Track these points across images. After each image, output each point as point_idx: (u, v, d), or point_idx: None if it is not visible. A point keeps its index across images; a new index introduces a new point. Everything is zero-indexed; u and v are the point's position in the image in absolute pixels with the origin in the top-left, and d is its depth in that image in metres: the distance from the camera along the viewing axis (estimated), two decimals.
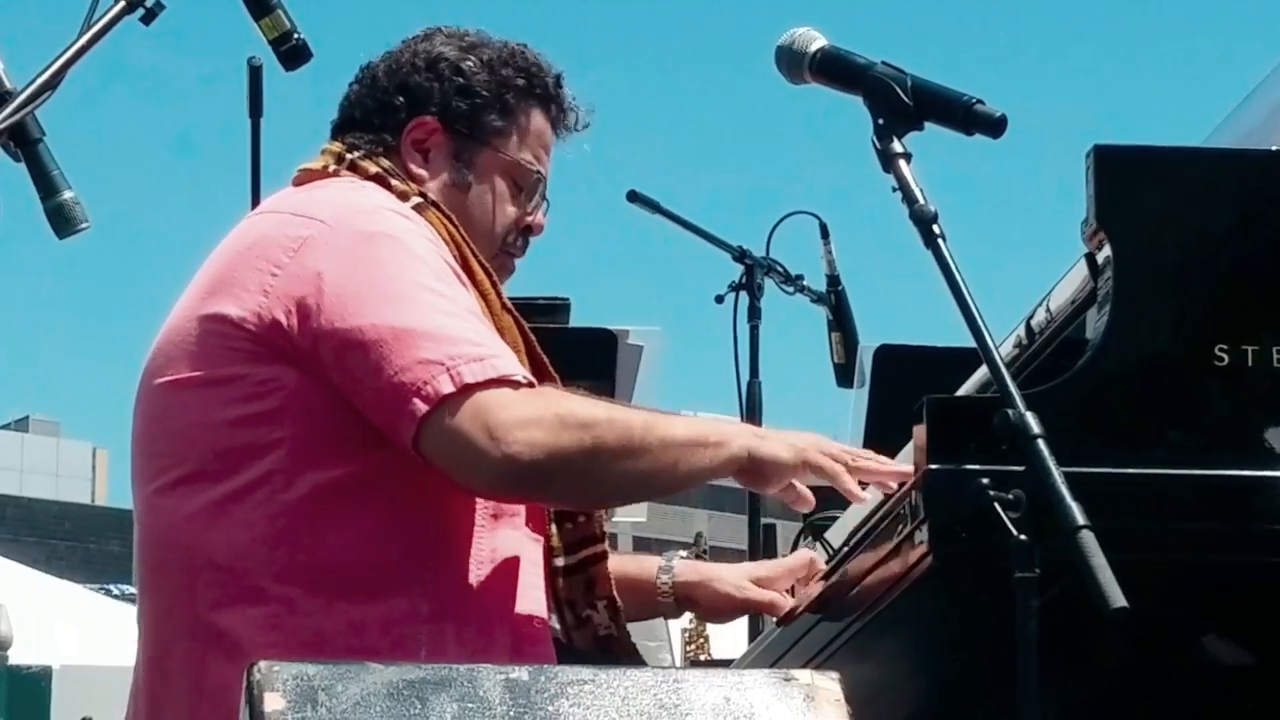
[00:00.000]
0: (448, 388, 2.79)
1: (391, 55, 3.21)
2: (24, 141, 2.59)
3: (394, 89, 3.16)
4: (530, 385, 2.86)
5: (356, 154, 3.13)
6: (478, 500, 2.96)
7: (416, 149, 3.15)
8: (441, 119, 3.15)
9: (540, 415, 2.81)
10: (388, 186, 3.08)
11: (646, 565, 3.35)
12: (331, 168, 3.12)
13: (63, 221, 2.60)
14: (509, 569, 2.98)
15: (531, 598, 3.01)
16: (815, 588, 3.11)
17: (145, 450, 3.01)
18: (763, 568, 3.37)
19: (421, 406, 2.80)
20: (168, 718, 2.94)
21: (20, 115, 2.53)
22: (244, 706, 2.30)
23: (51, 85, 2.55)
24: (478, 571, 2.93)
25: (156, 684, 2.96)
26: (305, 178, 3.15)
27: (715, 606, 3.34)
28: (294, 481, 2.87)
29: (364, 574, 2.86)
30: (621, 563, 3.29)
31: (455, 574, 2.91)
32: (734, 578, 3.32)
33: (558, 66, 3.24)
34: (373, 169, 3.10)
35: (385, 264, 2.89)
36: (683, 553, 3.35)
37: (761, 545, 6.15)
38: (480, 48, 3.19)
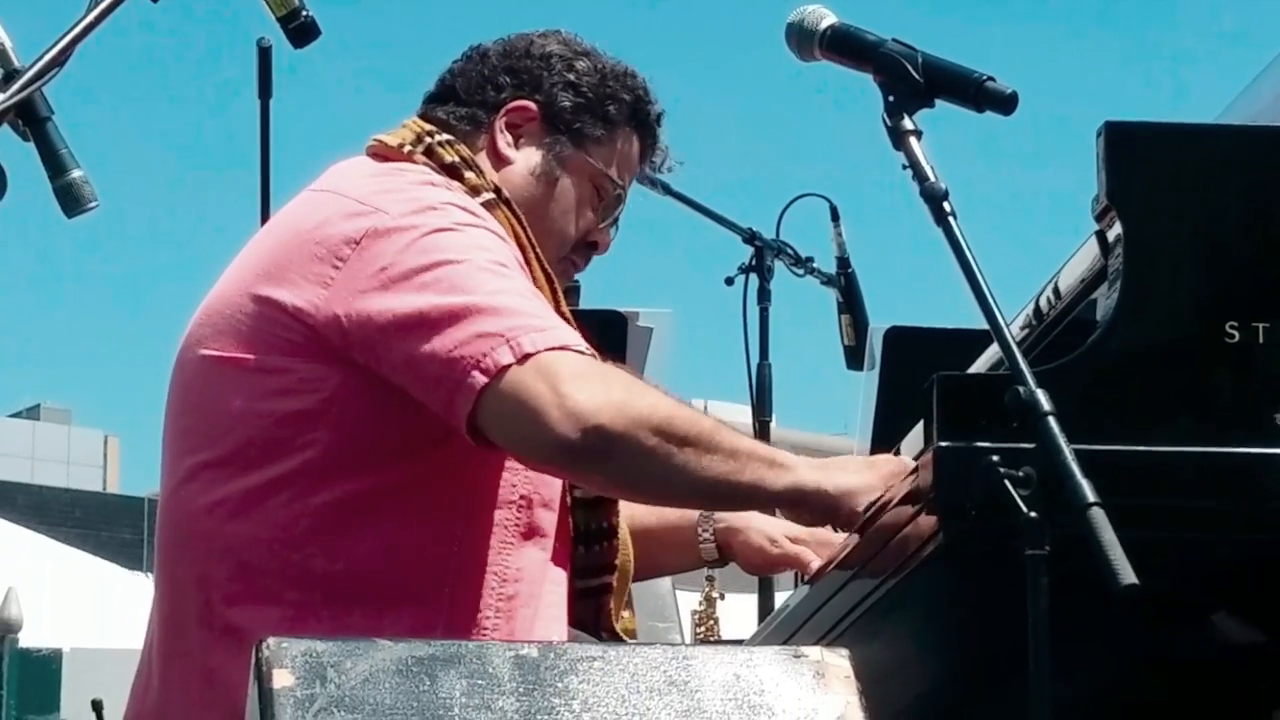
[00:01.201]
0: (507, 358, 2.75)
1: (506, 40, 3.20)
2: (32, 120, 2.59)
3: (503, 69, 3.15)
4: (594, 356, 2.82)
5: (436, 139, 3.09)
6: (507, 518, 2.93)
7: (510, 130, 3.14)
8: (543, 108, 3.14)
9: (609, 382, 2.77)
10: (460, 178, 3.04)
11: (689, 513, 3.33)
12: (407, 148, 3.08)
13: (71, 200, 2.59)
14: (531, 588, 2.96)
15: (553, 616, 2.99)
16: (834, 554, 3.11)
17: (178, 423, 3.00)
18: (804, 530, 3.31)
19: (480, 378, 2.75)
20: (174, 703, 2.93)
21: (28, 92, 2.52)
22: (252, 683, 2.30)
23: (59, 62, 2.54)
24: (499, 589, 2.92)
25: (164, 667, 2.96)
26: (380, 150, 3.11)
27: (747, 557, 3.33)
28: (321, 485, 2.85)
29: (382, 585, 2.85)
30: (662, 512, 3.28)
31: (475, 591, 2.90)
32: (770, 530, 3.30)
33: (661, 105, 3.23)
34: (449, 158, 3.07)
35: (448, 254, 2.85)
36: None
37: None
38: (596, 56, 3.19)
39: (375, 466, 2.87)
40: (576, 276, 3.36)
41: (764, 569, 3.40)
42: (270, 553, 2.86)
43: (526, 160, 3.14)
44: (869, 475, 2.90)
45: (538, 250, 3.06)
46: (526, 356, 2.75)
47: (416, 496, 2.88)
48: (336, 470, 2.86)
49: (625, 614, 3.18)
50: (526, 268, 3.00)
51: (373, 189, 2.97)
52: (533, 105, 3.14)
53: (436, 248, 2.86)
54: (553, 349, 2.77)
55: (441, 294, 2.82)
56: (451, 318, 2.79)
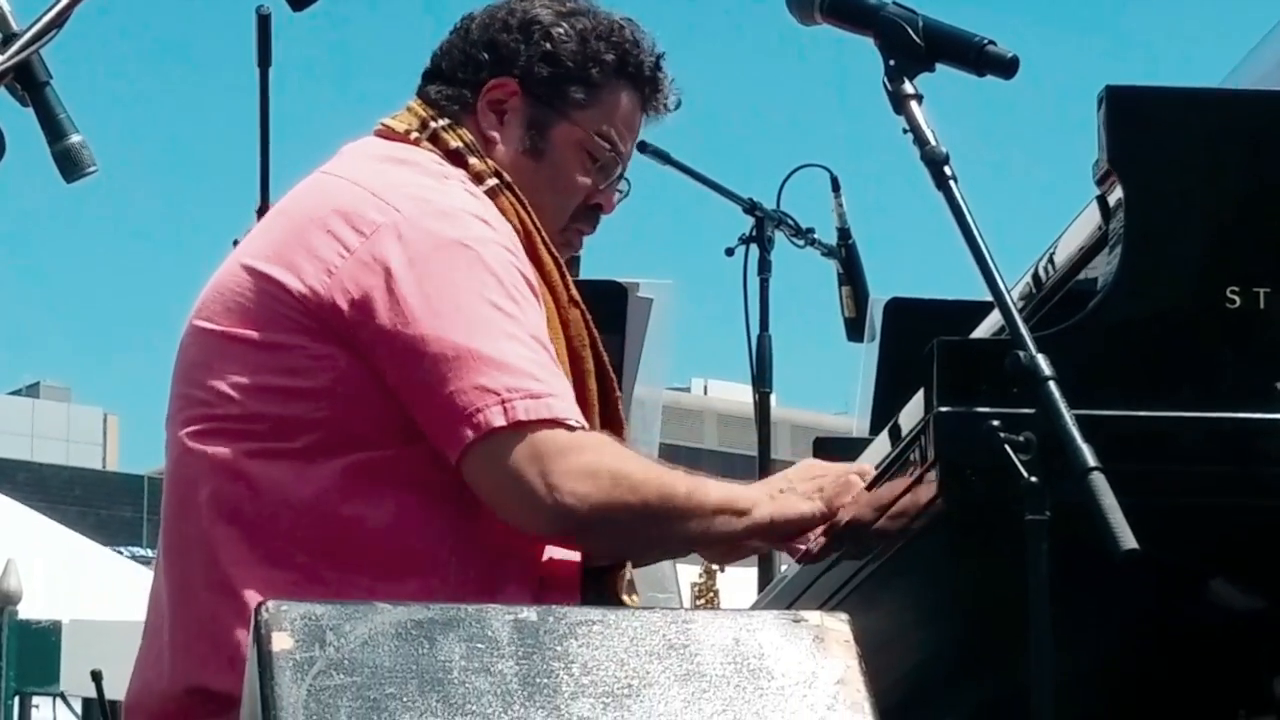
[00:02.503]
0: (499, 421, 2.78)
1: (489, 9, 3.15)
2: (31, 85, 2.57)
3: (482, 45, 3.11)
4: (583, 429, 2.85)
5: (440, 123, 3.07)
6: None
7: (493, 109, 3.10)
8: (522, 83, 3.09)
9: (596, 469, 2.82)
10: (464, 164, 3.03)
11: None
12: (414, 135, 3.07)
13: (70, 165, 2.58)
14: (532, 563, 2.95)
15: (554, 586, 2.99)
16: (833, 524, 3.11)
17: (184, 392, 2.99)
18: None
19: (469, 434, 2.79)
20: (179, 665, 2.93)
21: (25, 54, 2.51)
22: (251, 646, 2.30)
23: (57, 24, 2.53)
24: (502, 564, 2.91)
25: (172, 630, 2.96)
26: (387, 134, 3.10)
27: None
28: (330, 457, 2.85)
29: (387, 554, 2.84)
30: None
31: (477, 564, 2.89)
32: None
33: (660, 47, 3.16)
34: (453, 143, 3.05)
35: (457, 273, 2.84)
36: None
37: None
38: (577, 16, 3.12)
39: (381, 443, 2.87)
40: (578, 252, 3.33)
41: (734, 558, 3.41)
42: (278, 516, 2.86)
43: (510, 138, 3.10)
44: (816, 502, 2.98)
45: (544, 234, 3.04)
46: (519, 425, 2.79)
47: (422, 471, 2.87)
48: (344, 444, 2.86)
49: (635, 598, 3.18)
50: (533, 257, 2.98)
51: (387, 182, 2.95)
52: (511, 81, 3.10)
53: (448, 264, 2.85)
54: (545, 421, 2.80)
55: (446, 326, 2.81)
56: (454, 358, 2.80)
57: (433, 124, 3.08)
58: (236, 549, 2.87)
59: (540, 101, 3.10)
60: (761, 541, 3.05)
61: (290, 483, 2.86)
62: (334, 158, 3.10)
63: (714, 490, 2.94)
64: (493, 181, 3.03)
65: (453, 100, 3.11)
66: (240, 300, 2.93)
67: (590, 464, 2.82)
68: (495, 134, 3.10)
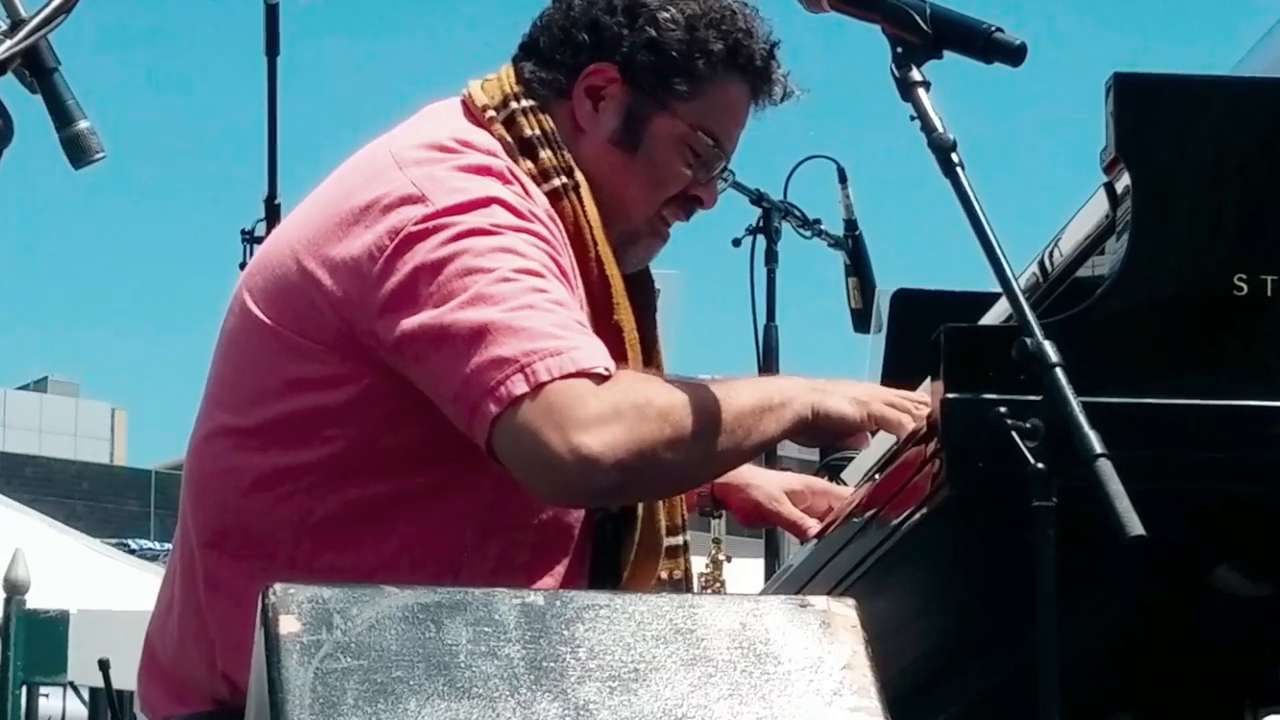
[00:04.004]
0: (521, 388, 2.66)
1: None
2: (39, 70, 2.58)
3: (584, 24, 2.97)
4: (611, 375, 2.70)
5: (522, 104, 2.94)
6: (510, 541, 2.87)
7: (590, 96, 2.97)
8: (623, 70, 2.95)
9: (618, 409, 2.66)
10: (534, 157, 2.92)
11: None
12: (490, 113, 2.95)
13: (78, 151, 2.59)
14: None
15: None
16: (840, 510, 3.11)
17: (220, 368, 2.96)
18: (798, 480, 3.29)
19: (493, 408, 2.67)
20: (188, 659, 2.94)
21: (34, 39, 2.51)
22: (258, 629, 2.31)
23: (65, 9, 2.54)
24: None
25: (180, 619, 2.96)
26: (468, 105, 2.98)
27: (744, 512, 3.30)
28: (339, 483, 2.82)
29: None
30: None
31: None
32: (769, 487, 3.25)
33: (774, 36, 3.02)
34: (528, 131, 2.93)
35: (475, 262, 2.73)
36: None
37: None
38: (687, 0, 2.97)
39: (385, 475, 2.82)
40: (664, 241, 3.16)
41: (758, 524, 3.37)
42: (282, 536, 2.84)
43: (605, 128, 2.97)
44: (860, 392, 2.87)
45: (599, 249, 2.93)
46: (540, 386, 2.66)
47: (418, 509, 2.83)
48: (355, 470, 2.81)
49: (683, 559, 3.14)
50: (577, 269, 2.89)
51: (427, 172, 2.84)
52: (611, 68, 2.96)
53: (466, 251, 2.74)
54: (567, 375, 2.66)
55: (463, 308, 2.71)
56: (472, 336, 2.69)
57: (513, 104, 2.96)
58: (234, 564, 2.86)
59: (641, 91, 2.97)
60: (807, 439, 2.87)
61: (298, 506, 2.83)
62: (412, 118, 3.00)
63: (746, 390, 2.79)
64: (558, 182, 2.92)
65: (545, 85, 2.98)
66: (281, 285, 2.87)
67: (610, 405, 2.66)
68: (589, 123, 2.97)
